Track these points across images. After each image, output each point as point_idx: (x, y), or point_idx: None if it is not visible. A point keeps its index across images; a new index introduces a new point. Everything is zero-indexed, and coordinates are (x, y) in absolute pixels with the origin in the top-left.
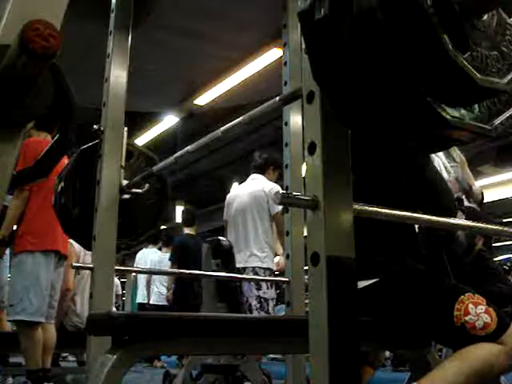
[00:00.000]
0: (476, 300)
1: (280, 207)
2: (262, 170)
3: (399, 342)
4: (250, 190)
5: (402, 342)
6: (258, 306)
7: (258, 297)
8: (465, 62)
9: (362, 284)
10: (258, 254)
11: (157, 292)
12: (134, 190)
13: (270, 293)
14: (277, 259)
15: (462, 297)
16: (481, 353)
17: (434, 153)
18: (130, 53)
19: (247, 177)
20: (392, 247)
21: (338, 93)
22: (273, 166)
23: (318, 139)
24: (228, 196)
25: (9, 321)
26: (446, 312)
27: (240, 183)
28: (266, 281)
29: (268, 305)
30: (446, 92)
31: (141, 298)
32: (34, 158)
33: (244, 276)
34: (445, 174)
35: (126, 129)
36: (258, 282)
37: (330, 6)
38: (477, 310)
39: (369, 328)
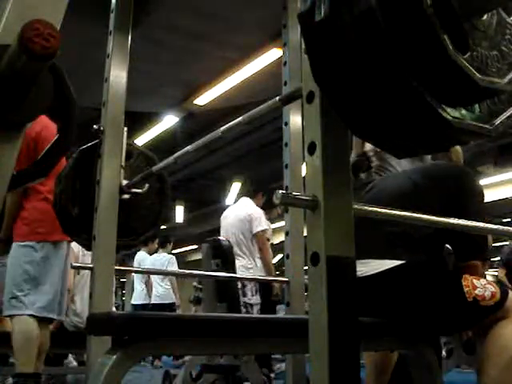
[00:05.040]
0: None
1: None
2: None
3: (400, 341)
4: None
5: (403, 342)
6: (244, 311)
7: (244, 303)
8: (465, 62)
9: (388, 263)
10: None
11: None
12: (134, 190)
13: (255, 299)
14: None
15: (464, 275)
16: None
17: (433, 153)
18: (130, 53)
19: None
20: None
21: (338, 93)
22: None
23: (317, 139)
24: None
25: (6, 316)
26: (458, 291)
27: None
28: (266, 281)
29: (252, 310)
30: (446, 92)
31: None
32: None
33: (244, 276)
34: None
35: (125, 129)
36: (243, 289)
37: (329, 8)
38: (481, 283)
39: (369, 328)
